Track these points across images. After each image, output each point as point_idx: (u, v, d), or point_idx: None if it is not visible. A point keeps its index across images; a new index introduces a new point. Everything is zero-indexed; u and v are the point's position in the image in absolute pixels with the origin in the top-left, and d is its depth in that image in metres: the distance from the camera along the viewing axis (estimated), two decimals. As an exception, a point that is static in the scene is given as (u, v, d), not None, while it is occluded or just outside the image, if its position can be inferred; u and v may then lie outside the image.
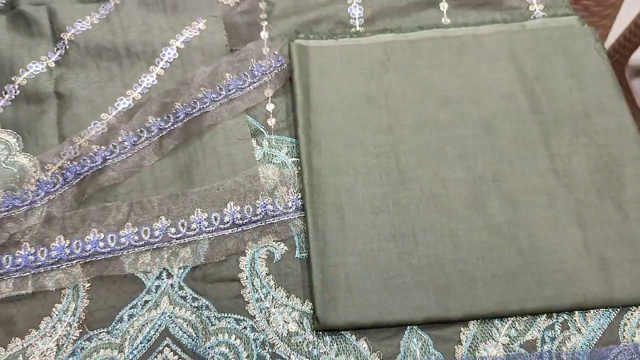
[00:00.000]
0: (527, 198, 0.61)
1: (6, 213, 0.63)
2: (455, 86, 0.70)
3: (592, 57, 0.71)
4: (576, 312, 0.57)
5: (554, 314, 0.57)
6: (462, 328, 0.57)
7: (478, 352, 0.56)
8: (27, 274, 0.60)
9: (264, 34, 0.76)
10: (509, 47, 0.72)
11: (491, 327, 0.57)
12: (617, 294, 0.57)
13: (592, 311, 0.57)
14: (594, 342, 0.56)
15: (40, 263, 0.61)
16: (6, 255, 0.61)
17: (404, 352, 0.56)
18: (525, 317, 0.57)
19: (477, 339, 0.56)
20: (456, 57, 0.72)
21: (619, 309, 0.57)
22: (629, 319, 0.57)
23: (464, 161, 0.64)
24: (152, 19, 0.77)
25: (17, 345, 0.57)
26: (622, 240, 0.59)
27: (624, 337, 0.56)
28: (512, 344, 0.56)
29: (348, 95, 0.69)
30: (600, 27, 1.23)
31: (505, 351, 0.56)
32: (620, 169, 0.63)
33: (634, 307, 0.57)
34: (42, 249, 0.61)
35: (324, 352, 0.56)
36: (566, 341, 0.56)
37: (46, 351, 0.57)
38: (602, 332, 0.56)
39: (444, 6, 0.78)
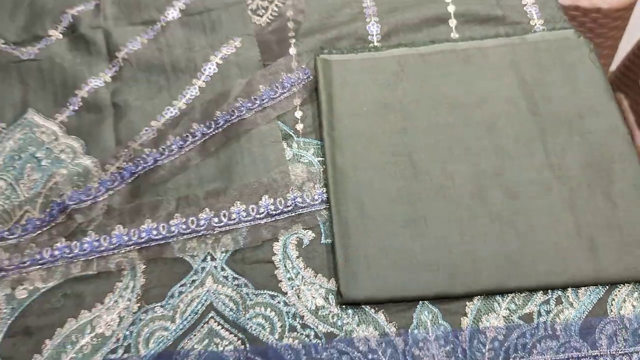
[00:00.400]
0: (525, 189, 0.69)
1: (74, 206, 0.73)
2: (462, 93, 0.78)
3: (586, 65, 0.79)
4: (569, 289, 0.65)
5: (549, 291, 0.65)
6: (467, 302, 0.65)
7: (481, 323, 0.64)
8: (93, 257, 0.70)
9: (292, 50, 0.86)
10: (511, 58, 0.80)
11: (493, 301, 0.65)
12: (605, 273, 0.64)
13: (583, 288, 0.65)
14: (585, 315, 0.63)
15: (103, 248, 0.71)
16: (75, 242, 0.71)
17: (417, 322, 0.64)
18: (524, 294, 0.65)
19: (481, 311, 0.64)
20: (463, 67, 0.80)
21: (607, 286, 0.65)
22: (616, 295, 0.64)
23: (469, 158, 0.73)
24: (194, 38, 0.88)
25: (86, 316, 0.67)
26: (610, 226, 0.67)
27: (611, 310, 0.64)
28: (512, 316, 0.64)
29: (367, 102, 0.78)
30: (609, 38, 1.29)
31: (506, 322, 0.64)
32: (610, 164, 0.71)
33: (621, 284, 0.65)
34: (104, 236, 0.72)
35: (347, 323, 0.65)
36: (560, 314, 0.64)
37: (110, 321, 0.67)
38: (592, 306, 0.64)
39: (452, 22, 0.86)
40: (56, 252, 0.71)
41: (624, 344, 0.62)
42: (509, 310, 0.64)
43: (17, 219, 0.73)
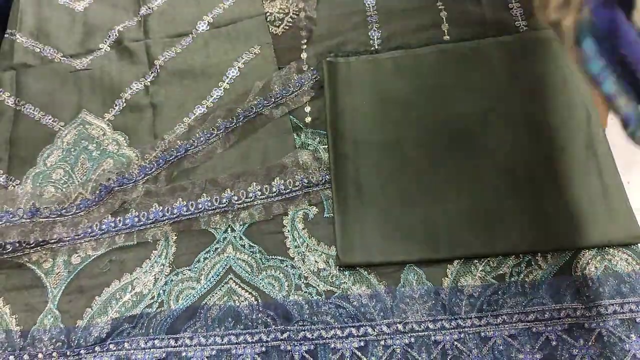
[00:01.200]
0: (496, 174, 0.78)
1: (118, 188, 0.87)
2: (452, 88, 0.87)
3: (564, 59, 0.87)
4: (538, 253, 0.74)
5: (521, 255, 0.74)
6: (448, 265, 0.75)
7: (460, 283, 0.73)
8: (133, 230, 0.84)
9: (303, 55, 0.97)
10: (496, 55, 0.89)
11: (471, 265, 0.74)
12: (563, 242, 0.73)
13: (550, 253, 0.74)
14: (552, 275, 0.72)
15: (142, 223, 0.84)
16: (119, 218, 0.85)
17: (404, 282, 0.74)
18: (498, 258, 0.74)
19: (460, 273, 0.74)
20: (454, 65, 0.90)
21: (572, 252, 0.73)
22: (580, 258, 0.73)
23: (456, 144, 0.82)
24: (220, 47, 1.01)
25: (127, 278, 0.80)
26: (568, 202, 0.75)
27: (575, 271, 0.72)
28: (487, 277, 0.73)
29: (366, 97, 0.89)
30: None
31: (481, 282, 0.73)
32: (581, 148, 0.79)
33: (584, 250, 0.73)
34: (143, 213, 0.85)
35: (344, 282, 0.76)
36: (529, 274, 0.73)
37: (147, 282, 0.80)
38: (558, 268, 0.72)
39: (445, 26, 0.96)
40: (104, 226, 0.84)
41: (586, 299, 0.70)
42: (485, 271, 0.74)
43: (72, 199, 0.87)
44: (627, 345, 0.67)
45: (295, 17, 1.01)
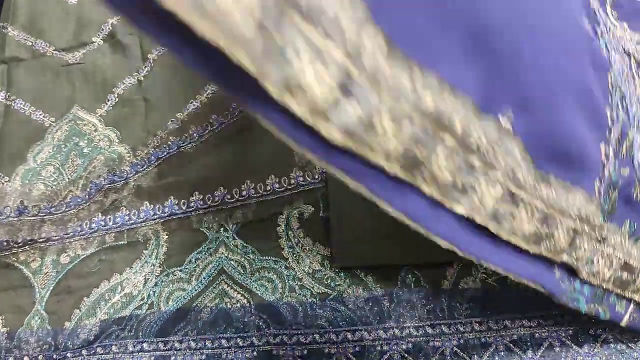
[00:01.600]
0: None
1: (109, 186, 0.84)
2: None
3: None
4: (542, 255, 0.71)
5: (524, 257, 0.71)
6: (448, 267, 0.72)
7: (460, 285, 0.70)
8: (124, 229, 0.81)
9: (300, 48, 0.95)
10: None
11: (471, 266, 0.72)
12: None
13: (555, 255, 0.71)
14: (556, 278, 0.69)
15: (132, 221, 0.82)
16: (109, 216, 0.83)
17: (401, 284, 0.72)
18: (500, 260, 0.71)
19: (460, 275, 0.71)
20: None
21: (578, 253, 0.70)
22: (586, 261, 0.70)
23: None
24: (215, 41, 0.98)
25: (117, 279, 0.78)
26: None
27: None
28: (488, 279, 0.70)
29: (364, 92, 0.86)
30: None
31: (482, 285, 0.70)
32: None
33: (591, 251, 0.70)
34: (134, 211, 0.82)
35: (339, 284, 0.73)
36: (532, 277, 0.70)
37: (137, 283, 0.77)
38: (562, 271, 0.69)
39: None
40: (94, 225, 0.82)
41: (591, 304, 0.67)
42: (486, 274, 0.71)
43: (62, 197, 0.85)
44: (636, 353, 0.64)
45: (293, 9, 0.98)
